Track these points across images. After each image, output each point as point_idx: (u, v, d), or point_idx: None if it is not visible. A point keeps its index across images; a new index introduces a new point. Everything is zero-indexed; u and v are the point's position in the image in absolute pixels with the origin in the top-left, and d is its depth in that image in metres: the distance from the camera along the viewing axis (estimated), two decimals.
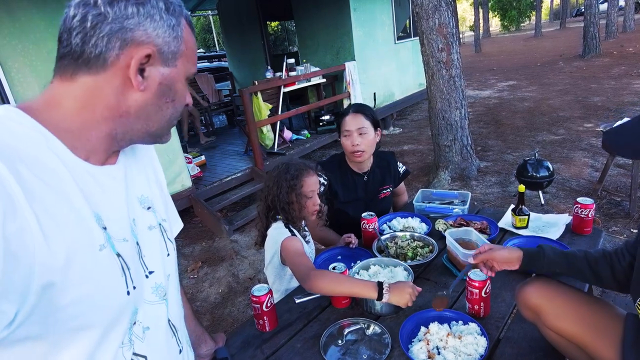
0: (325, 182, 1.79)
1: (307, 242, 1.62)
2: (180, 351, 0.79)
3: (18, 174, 0.48)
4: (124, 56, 0.56)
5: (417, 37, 4.45)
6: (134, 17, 0.56)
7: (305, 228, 1.67)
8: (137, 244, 0.67)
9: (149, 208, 0.73)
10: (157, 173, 0.82)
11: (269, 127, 4.98)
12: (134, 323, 0.66)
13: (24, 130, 0.54)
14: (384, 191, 1.99)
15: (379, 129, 1.88)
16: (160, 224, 0.76)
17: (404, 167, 2.10)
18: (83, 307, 0.55)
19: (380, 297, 1.20)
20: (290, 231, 1.50)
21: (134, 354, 0.66)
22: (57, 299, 0.51)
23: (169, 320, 0.75)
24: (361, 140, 1.79)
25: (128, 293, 0.62)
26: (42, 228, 0.49)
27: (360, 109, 1.86)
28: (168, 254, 0.77)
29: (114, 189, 0.65)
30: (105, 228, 0.59)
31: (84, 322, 0.56)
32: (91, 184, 0.60)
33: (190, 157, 4.61)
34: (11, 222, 0.45)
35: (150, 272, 0.70)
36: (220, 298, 2.98)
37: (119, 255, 0.61)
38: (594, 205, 1.64)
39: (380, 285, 1.21)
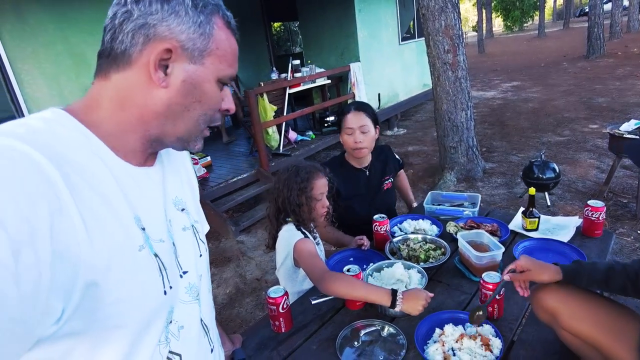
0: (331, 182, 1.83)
1: (317, 243, 1.64)
2: (212, 350, 0.80)
3: (66, 176, 0.50)
4: (147, 52, 0.57)
5: (422, 38, 4.46)
6: (158, 13, 0.57)
7: (314, 230, 1.69)
8: (173, 244, 0.69)
9: (182, 210, 0.75)
10: (190, 175, 0.84)
11: (274, 128, 4.99)
12: (170, 322, 0.67)
13: (70, 133, 0.56)
14: (386, 182, 2.04)
15: (377, 126, 1.93)
16: (193, 225, 0.77)
17: (398, 157, 2.19)
18: (124, 306, 0.56)
19: (393, 306, 1.22)
20: (303, 233, 1.51)
21: (170, 352, 0.67)
22: (100, 298, 0.53)
23: (201, 320, 0.76)
24: (363, 137, 1.85)
25: (165, 293, 0.63)
26: (87, 228, 0.50)
27: (361, 107, 1.90)
28: (200, 255, 0.78)
29: (152, 190, 0.67)
30: (143, 229, 0.61)
31: (124, 320, 0.57)
32: (131, 185, 0.61)
33: (197, 157, 4.63)
34: (59, 222, 0.47)
35: (185, 272, 0.71)
36: (227, 299, 2.99)
37: (156, 255, 0.62)
38: (605, 208, 1.65)
39: (394, 293, 1.23)
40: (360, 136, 1.84)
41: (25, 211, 0.44)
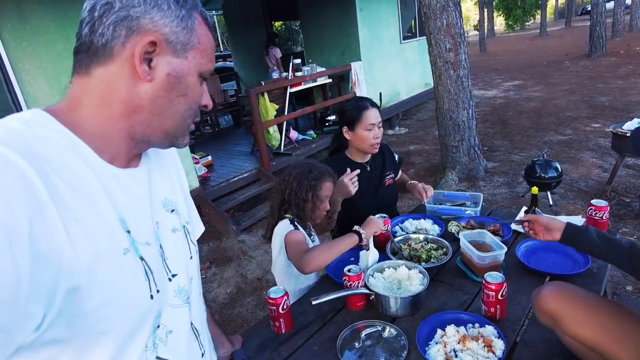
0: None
1: (312, 241, 1.66)
2: (203, 354, 0.79)
3: (46, 178, 0.49)
4: (130, 45, 0.56)
5: (423, 37, 4.45)
6: (141, 6, 0.56)
7: (311, 229, 1.71)
8: (161, 246, 0.67)
9: (172, 211, 0.74)
10: (180, 176, 0.82)
11: (275, 127, 4.99)
12: (158, 326, 0.66)
13: (51, 135, 0.54)
14: (387, 177, 2.04)
15: None
16: (184, 226, 0.76)
17: (397, 155, 2.19)
18: (108, 311, 0.55)
19: (361, 239, 1.45)
20: (295, 227, 1.54)
21: (157, 357, 0.66)
22: (83, 303, 0.51)
23: (191, 324, 0.75)
24: (379, 132, 1.90)
25: (152, 297, 0.62)
26: (68, 232, 0.49)
27: (374, 103, 1.94)
28: (191, 257, 0.77)
29: (138, 192, 0.65)
30: (129, 232, 0.59)
31: (109, 325, 0.56)
32: (116, 187, 0.60)
33: (197, 157, 4.62)
34: (39, 226, 0.46)
35: (173, 275, 0.70)
36: (228, 298, 2.99)
37: (142, 258, 0.61)
38: (608, 208, 1.64)
39: (357, 232, 1.46)
40: (379, 132, 1.89)
41: (2, 217, 0.43)
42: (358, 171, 1.77)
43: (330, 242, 1.45)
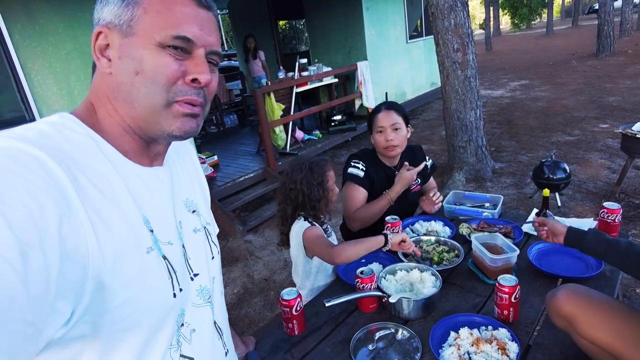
0: (364, 169, 1.88)
1: (329, 235, 1.67)
2: (227, 353, 0.80)
3: (74, 178, 0.51)
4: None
5: (430, 36, 4.43)
6: (98, 12, 0.61)
7: (328, 226, 1.71)
8: (183, 246, 0.69)
9: (193, 211, 0.75)
10: (200, 177, 0.84)
11: (281, 127, 4.99)
12: (182, 325, 0.67)
13: (78, 136, 0.57)
14: (413, 182, 1.98)
15: (409, 125, 1.90)
16: (205, 227, 0.77)
17: (430, 161, 2.12)
18: (131, 309, 0.56)
19: (386, 243, 1.47)
20: (311, 224, 1.56)
21: (181, 355, 0.67)
22: (108, 301, 0.52)
23: (214, 323, 0.76)
24: (395, 135, 1.82)
25: (174, 295, 0.63)
26: (95, 231, 0.50)
27: (391, 105, 1.89)
28: (213, 257, 0.78)
29: (161, 191, 0.66)
30: (152, 231, 0.60)
31: (132, 323, 0.57)
32: (140, 186, 0.61)
33: (204, 157, 4.64)
34: (67, 224, 0.47)
35: (195, 275, 0.71)
36: (236, 299, 2.99)
37: (165, 258, 0.62)
38: (621, 210, 1.62)
39: (385, 236, 1.48)
40: (392, 134, 1.81)
41: (34, 214, 0.44)
42: (424, 164, 1.87)
43: (358, 240, 1.48)
